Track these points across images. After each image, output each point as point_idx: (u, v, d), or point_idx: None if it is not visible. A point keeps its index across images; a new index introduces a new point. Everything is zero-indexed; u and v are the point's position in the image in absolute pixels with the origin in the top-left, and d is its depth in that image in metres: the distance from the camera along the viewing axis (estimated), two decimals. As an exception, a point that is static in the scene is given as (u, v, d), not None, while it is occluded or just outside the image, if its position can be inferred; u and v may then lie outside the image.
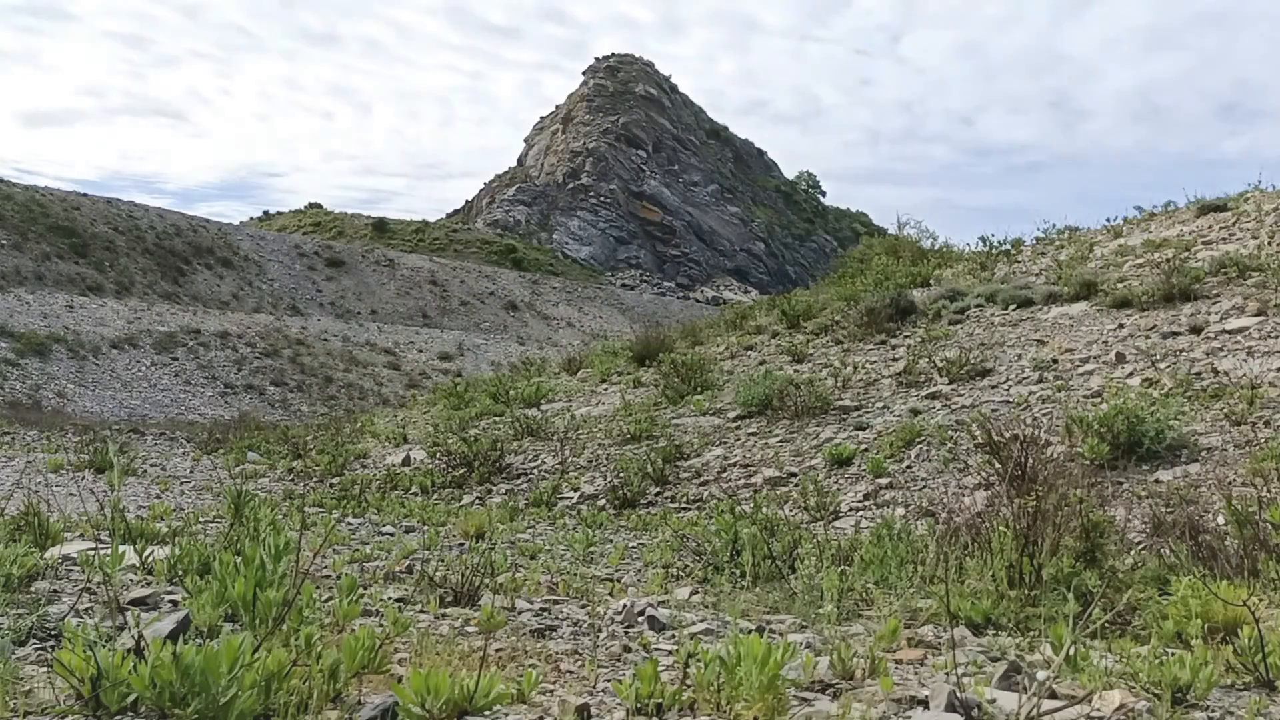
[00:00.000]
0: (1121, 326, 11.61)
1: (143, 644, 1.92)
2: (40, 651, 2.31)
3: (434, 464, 11.35)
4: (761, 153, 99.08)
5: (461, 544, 6.58)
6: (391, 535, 7.03)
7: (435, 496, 10.12)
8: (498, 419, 13.49)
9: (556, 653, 2.74)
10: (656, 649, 2.96)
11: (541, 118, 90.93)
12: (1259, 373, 9.00)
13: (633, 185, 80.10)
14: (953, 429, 9.09)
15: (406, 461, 11.82)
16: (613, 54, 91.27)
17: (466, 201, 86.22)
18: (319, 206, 79.35)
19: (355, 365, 37.53)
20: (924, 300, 14.67)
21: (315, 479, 11.59)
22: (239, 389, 32.20)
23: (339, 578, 3.85)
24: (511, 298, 53.66)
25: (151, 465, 13.06)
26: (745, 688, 2.06)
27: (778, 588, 4.51)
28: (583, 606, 3.79)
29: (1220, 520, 5.31)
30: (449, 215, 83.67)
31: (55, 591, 3.09)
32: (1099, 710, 2.34)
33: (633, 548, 6.67)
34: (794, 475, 8.99)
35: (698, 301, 65.97)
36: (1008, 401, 9.68)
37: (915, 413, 9.99)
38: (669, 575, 5.34)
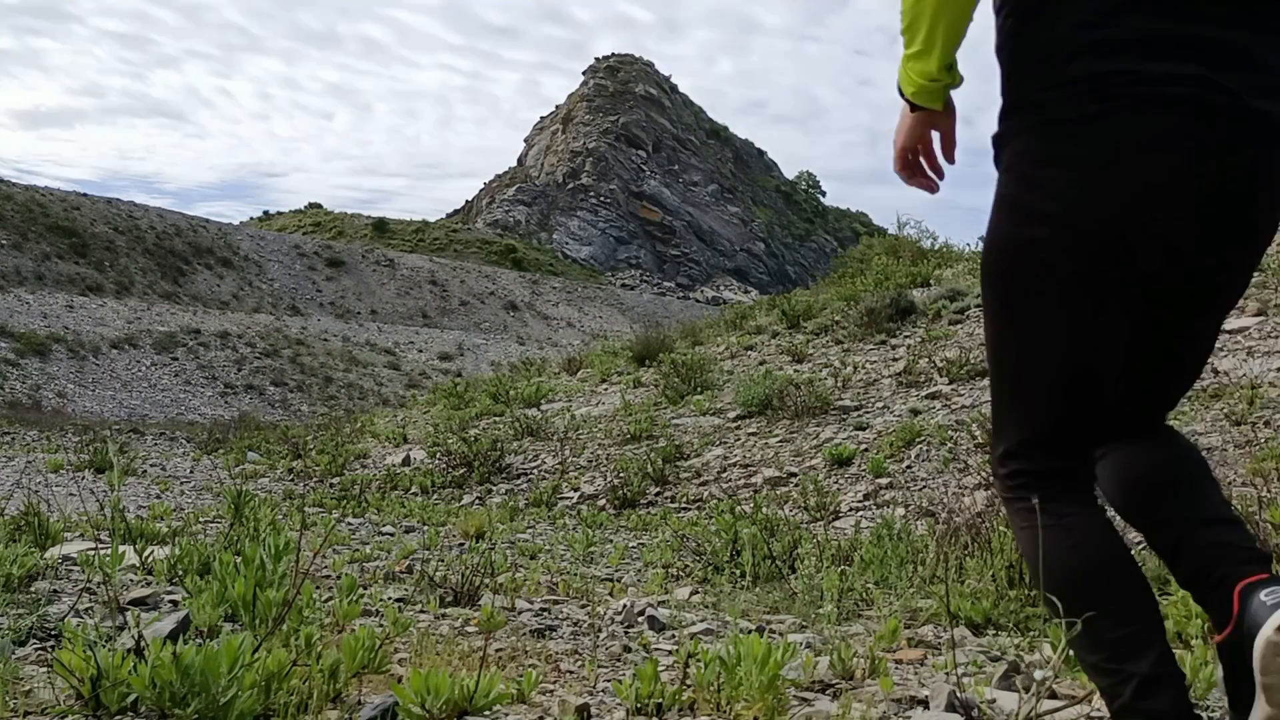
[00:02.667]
0: (1121, 326, 11.62)
1: (143, 644, 1.92)
2: (40, 651, 2.31)
3: (434, 464, 11.35)
4: (761, 153, 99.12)
5: (461, 544, 6.58)
6: (391, 535, 7.03)
7: (435, 496, 10.12)
8: (498, 419, 13.50)
9: (556, 653, 2.74)
10: (656, 649, 2.96)
11: (541, 118, 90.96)
12: (1259, 373, 9.00)
13: (633, 185, 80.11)
14: (953, 429, 9.09)
15: (406, 461, 11.82)
16: (613, 54, 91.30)
17: (466, 201, 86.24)
18: (319, 206, 79.42)
19: (355, 365, 37.54)
20: (924, 300, 14.67)
21: (315, 479, 11.60)
22: (239, 389, 32.20)
23: (339, 578, 3.85)
24: (511, 298, 53.66)
25: (151, 465, 13.06)
26: (745, 688, 2.06)
27: (778, 588, 4.51)
28: (583, 606, 3.79)
29: (1220, 520, 5.30)
30: (449, 215, 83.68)
31: (55, 591, 3.09)
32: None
33: (633, 548, 6.67)
34: (794, 475, 8.99)
35: (698, 301, 65.98)
36: (1008, 401, 9.68)
37: (915, 413, 9.99)
38: (669, 575, 5.34)
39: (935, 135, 1.62)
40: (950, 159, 1.63)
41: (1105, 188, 1.35)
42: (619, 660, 2.78)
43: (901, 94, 1.59)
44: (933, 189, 1.65)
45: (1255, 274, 11.43)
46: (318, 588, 3.51)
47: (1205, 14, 1.34)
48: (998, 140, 1.50)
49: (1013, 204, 1.45)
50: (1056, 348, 1.45)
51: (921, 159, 1.63)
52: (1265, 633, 1.29)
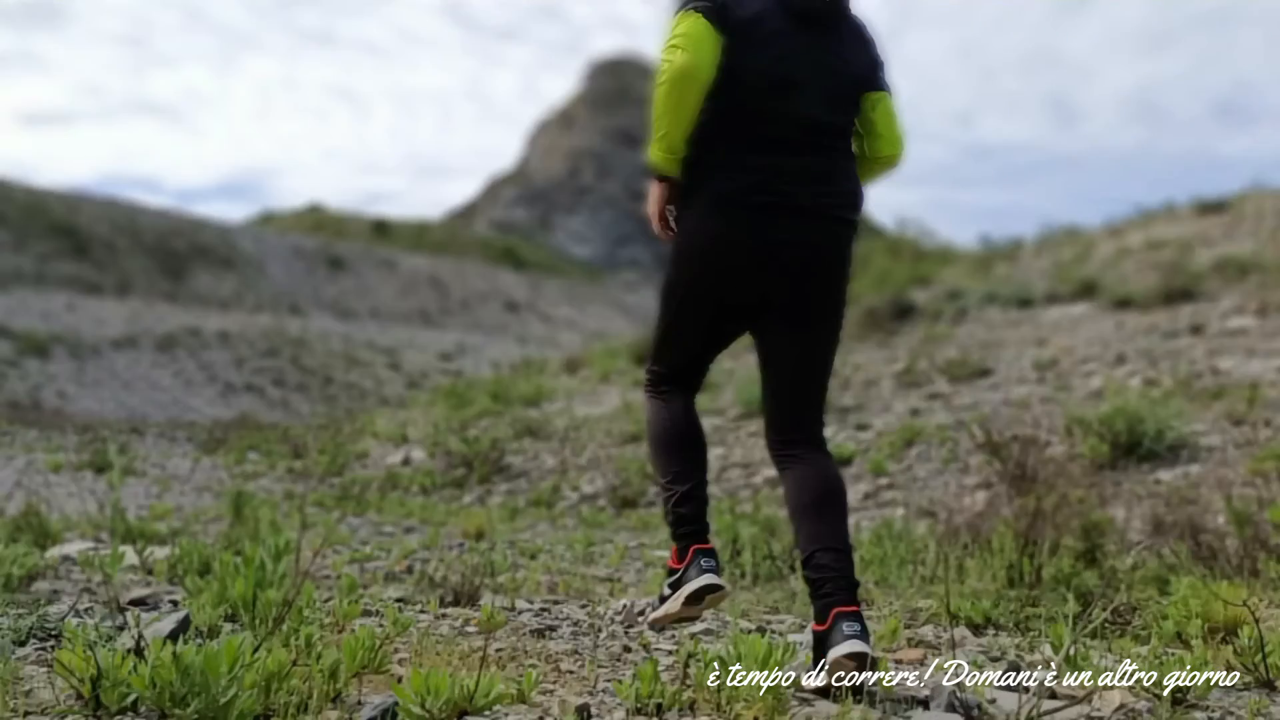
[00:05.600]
0: (1121, 326, 11.62)
1: (143, 644, 1.92)
2: (40, 651, 2.31)
3: (434, 464, 11.35)
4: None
5: (461, 544, 6.57)
6: (391, 535, 7.03)
7: (435, 496, 10.12)
8: (498, 419, 13.50)
9: (556, 653, 2.74)
10: (656, 649, 2.96)
11: (542, 118, 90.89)
12: (1259, 373, 9.00)
13: (633, 185, 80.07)
14: (953, 429, 9.09)
15: (406, 461, 11.82)
16: (613, 54, 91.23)
17: (466, 202, 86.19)
18: (319, 206, 79.32)
19: (355, 365, 37.53)
20: (924, 300, 14.68)
21: (315, 479, 11.60)
22: (239, 389, 32.19)
23: (339, 578, 3.85)
24: (511, 298, 53.64)
25: (151, 465, 13.05)
26: (745, 688, 2.06)
27: (778, 588, 4.51)
28: (583, 606, 3.79)
29: (1220, 520, 5.30)
30: (449, 215, 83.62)
31: (55, 591, 3.09)
32: (1099, 710, 2.34)
33: (633, 548, 6.66)
34: (794, 475, 8.98)
35: (698, 301, 65.83)
36: (1008, 401, 9.69)
37: (915, 413, 9.99)
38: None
39: (669, 206, 2.54)
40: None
41: (718, 251, 2.42)
42: (619, 660, 2.78)
43: (652, 173, 2.50)
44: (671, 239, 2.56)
45: (1254, 274, 11.36)
46: (318, 588, 3.52)
47: (787, 149, 2.38)
48: (675, 217, 2.50)
49: (677, 249, 2.50)
50: (695, 325, 2.56)
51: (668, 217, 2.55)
52: (836, 653, 2.21)
